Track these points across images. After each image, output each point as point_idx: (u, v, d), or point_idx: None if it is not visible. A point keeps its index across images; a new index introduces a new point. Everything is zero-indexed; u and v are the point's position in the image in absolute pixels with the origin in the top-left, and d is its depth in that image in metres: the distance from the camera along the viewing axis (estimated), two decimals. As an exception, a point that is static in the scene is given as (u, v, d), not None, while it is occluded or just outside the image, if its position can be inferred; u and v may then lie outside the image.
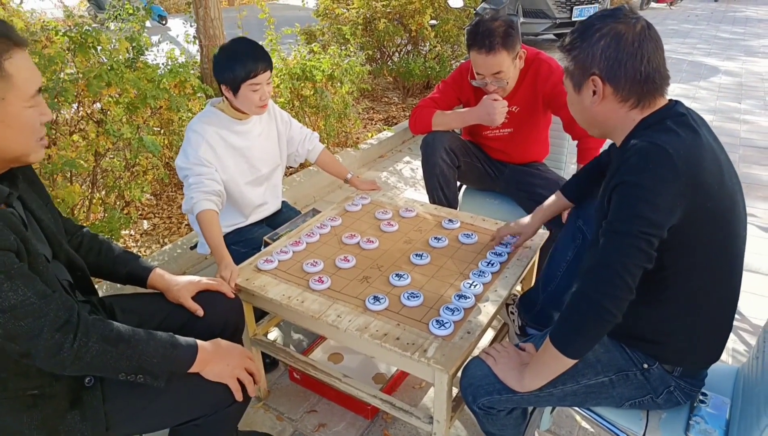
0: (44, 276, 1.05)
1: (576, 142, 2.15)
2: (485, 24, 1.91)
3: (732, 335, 2.16)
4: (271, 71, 1.83)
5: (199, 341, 1.20)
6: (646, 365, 1.21)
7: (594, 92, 1.15)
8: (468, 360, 1.36)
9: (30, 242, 1.03)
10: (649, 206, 1.02)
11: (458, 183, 2.36)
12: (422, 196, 3.52)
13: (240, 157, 1.92)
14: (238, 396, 1.22)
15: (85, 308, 1.05)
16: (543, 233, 1.85)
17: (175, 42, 3.90)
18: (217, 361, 1.20)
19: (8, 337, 0.97)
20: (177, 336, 1.18)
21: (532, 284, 1.88)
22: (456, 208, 2.27)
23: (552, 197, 1.70)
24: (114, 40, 2.61)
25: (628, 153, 1.09)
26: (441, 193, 2.20)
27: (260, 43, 1.88)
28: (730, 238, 1.14)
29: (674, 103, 1.16)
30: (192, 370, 1.17)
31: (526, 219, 1.74)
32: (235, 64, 1.73)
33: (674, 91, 5.48)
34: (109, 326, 1.08)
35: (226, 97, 1.85)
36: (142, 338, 1.11)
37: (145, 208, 3.16)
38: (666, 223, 1.04)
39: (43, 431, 1.09)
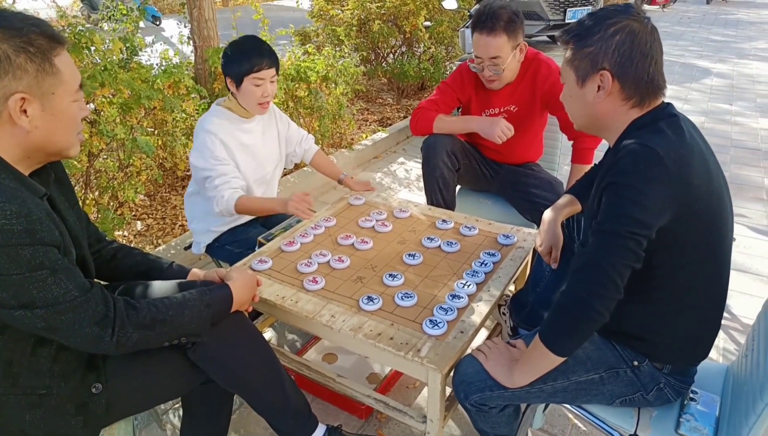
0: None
1: (571, 142, 2.16)
2: (491, 8, 1.95)
3: (722, 334, 2.19)
4: (277, 71, 1.88)
5: (230, 284, 1.29)
6: (636, 362, 1.22)
7: (599, 88, 1.14)
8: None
9: (65, 238, 1.05)
10: (638, 207, 1.03)
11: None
12: (416, 196, 3.54)
13: (249, 154, 1.97)
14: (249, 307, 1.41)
15: (119, 301, 1.09)
16: (536, 233, 1.86)
17: (169, 43, 3.88)
18: (240, 297, 1.32)
19: (50, 330, 1.01)
20: (208, 290, 1.23)
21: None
22: (453, 210, 2.27)
23: (565, 198, 1.58)
24: (107, 41, 2.60)
25: (619, 154, 1.09)
26: (439, 195, 2.20)
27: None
28: (719, 238, 1.15)
29: (666, 105, 1.16)
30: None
31: (550, 230, 1.53)
32: (242, 58, 1.81)
33: (667, 92, 5.52)
34: (142, 313, 1.10)
35: (232, 93, 1.90)
36: (177, 311, 1.14)
37: (139, 209, 3.15)
38: (654, 223, 1.05)
39: (43, 430, 1.08)
